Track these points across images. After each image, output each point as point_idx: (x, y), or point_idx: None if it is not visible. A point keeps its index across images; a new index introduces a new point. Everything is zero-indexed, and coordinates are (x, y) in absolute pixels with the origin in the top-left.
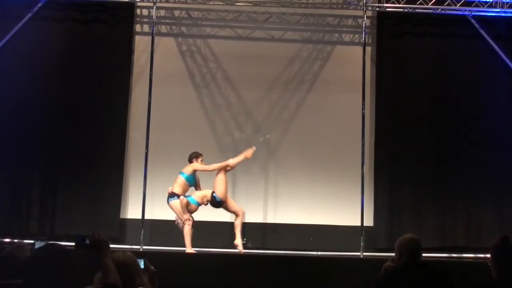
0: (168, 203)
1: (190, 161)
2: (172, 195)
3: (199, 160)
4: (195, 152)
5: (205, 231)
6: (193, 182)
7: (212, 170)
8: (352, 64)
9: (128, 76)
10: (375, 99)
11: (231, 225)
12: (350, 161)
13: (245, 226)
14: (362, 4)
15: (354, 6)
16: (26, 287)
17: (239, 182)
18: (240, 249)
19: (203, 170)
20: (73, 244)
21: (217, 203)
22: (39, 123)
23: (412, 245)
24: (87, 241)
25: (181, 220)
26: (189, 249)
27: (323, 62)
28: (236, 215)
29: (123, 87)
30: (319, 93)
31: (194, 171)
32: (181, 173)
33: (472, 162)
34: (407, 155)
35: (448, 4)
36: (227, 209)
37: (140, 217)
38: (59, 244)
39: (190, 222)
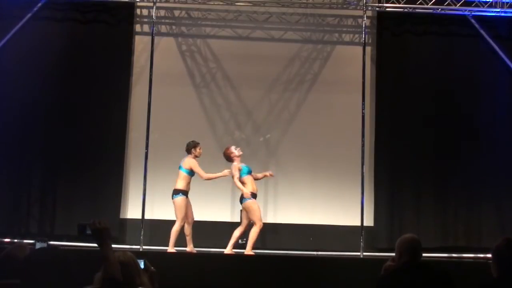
0: (172, 199)
1: (189, 152)
2: (176, 192)
3: (197, 148)
4: (192, 142)
5: (205, 231)
6: (193, 173)
7: (205, 179)
8: (352, 64)
9: (128, 76)
10: (375, 99)
11: (231, 225)
12: (350, 161)
13: None
14: (362, 4)
15: (354, 6)
16: (24, 287)
17: None
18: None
19: (198, 173)
20: (72, 244)
21: (240, 201)
22: (39, 123)
23: (412, 245)
24: (88, 231)
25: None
26: (170, 249)
27: (323, 62)
28: (242, 225)
29: (123, 87)
30: (319, 93)
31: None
32: (180, 167)
33: (472, 162)
34: (407, 155)
35: (448, 4)
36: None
37: (140, 217)
38: (57, 246)
39: (182, 224)
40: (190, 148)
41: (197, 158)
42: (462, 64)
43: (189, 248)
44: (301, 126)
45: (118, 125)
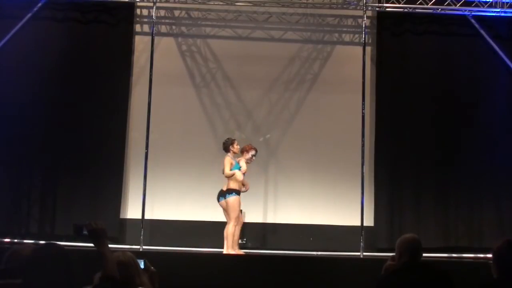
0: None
1: (227, 150)
2: (229, 191)
3: (235, 145)
4: (228, 139)
5: (205, 231)
6: (238, 167)
7: (225, 176)
8: (352, 64)
9: (128, 76)
10: (375, 99)
11: None
12: (350, 161)
13: (245, 226)
14: (362, 4)
15: (354, 6)
16: (26, 287)
17: None
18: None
19: (223, 169)
20: (72, 244)
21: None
22: (39, 123)
23: (413, 245)
24: (85, 232)
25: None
26: (230, 250)
27: (323, 62)
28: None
29: (123, 87)
30: (319, 93)
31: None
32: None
33: (472, 162)
34: (407, 155)
35: (448, 4)
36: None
37: (140, 217)
38: (59, 244)
39: (236, 224)
40: (228, 146)
41: (235, 154)
42: (462, 64)
43: (235, 250)
44: (301, 126)
45: (118, 125)
